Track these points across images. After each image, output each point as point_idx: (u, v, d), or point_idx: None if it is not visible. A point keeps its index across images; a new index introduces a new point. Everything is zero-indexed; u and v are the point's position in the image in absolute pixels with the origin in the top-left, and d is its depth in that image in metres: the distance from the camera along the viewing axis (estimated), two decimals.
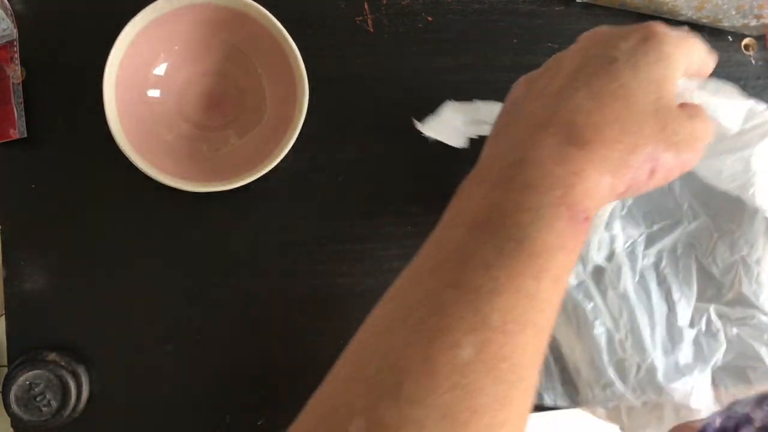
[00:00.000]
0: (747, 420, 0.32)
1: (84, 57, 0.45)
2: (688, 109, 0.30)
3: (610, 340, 0.42)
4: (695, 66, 0.32)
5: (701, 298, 0.43)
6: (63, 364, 0.42)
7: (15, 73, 0.44)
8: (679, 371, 0.41)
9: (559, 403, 0.45)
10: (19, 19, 0.45)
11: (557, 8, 0.50)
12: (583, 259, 0.43)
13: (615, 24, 0.36)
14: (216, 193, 0.43)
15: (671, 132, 0.29)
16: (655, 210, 0.44)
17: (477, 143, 0.50)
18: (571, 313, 0.43)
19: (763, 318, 0.41)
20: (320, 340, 0.46)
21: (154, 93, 0.45)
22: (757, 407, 0.32)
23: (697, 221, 0.44)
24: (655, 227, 0.44)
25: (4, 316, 0.44)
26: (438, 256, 0.28)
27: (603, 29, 0.33)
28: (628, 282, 0.42)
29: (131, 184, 0.45)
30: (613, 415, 0.44)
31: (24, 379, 0.41)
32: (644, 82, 0.29)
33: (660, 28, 0.31)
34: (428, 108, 0.49)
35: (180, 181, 0.42)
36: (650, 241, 0.44)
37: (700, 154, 0.30)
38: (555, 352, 0.45)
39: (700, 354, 0.42)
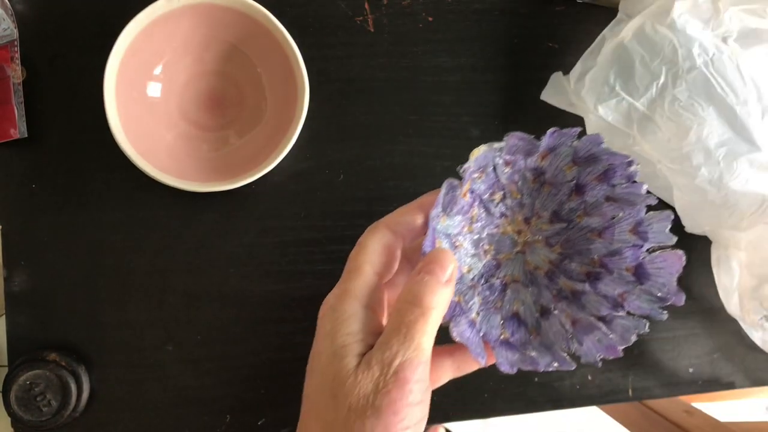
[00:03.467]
0: None
1: (84, 57, 0.45)
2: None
3: None
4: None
5: None
6: (63, 364, 0.42)
7: (15, 73, 0.44)
8: None
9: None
10: (19, 19, 0.45)
11: (557, 8, 0.50)
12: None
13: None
14: (216, 193, 0.43)
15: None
16: None
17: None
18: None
19: None
20: None
21: (154, 93, 0.45)
22: None
23: None
24: None
25: (4, 316, 0.44)
26: None
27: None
28: None
29: (132, 184, 0.45)
30: None
31: (24, 379, 0.41)
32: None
33: None
34: (428, 108, 0.49)
35: (180, 181, 0.42)
36: None
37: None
38: None
39: None
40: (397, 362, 0.27)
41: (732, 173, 0.40)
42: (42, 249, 0.44)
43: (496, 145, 0.31)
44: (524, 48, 0.50)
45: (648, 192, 0.33)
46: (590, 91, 0.43)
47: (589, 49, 0.45)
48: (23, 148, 0.44)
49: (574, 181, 0.34)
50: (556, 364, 0.33)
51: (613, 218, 0.34)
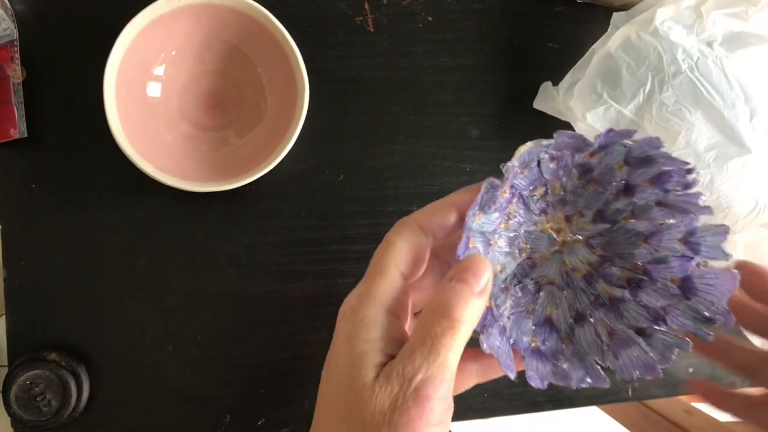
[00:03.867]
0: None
1: (84, 57, 0.45)
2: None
3: None
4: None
5: None
6: (63, 363, 0.42)
7: (15, 72, 0.44)
8: None
9: None
10: (19, 19, 0.45)
11: (557, 8, 0.50)
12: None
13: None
14: (216, 193, 0.43)
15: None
16: None
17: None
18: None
19: None
20: (320, 341, 0.46)
21: (154, 93, 0.45)
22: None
23: None
24: None
25: (4, 316, 0.44)
26: None
27: None
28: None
29: (131, 184, 0.45)
30: None
31: (24, 379, 0.41)
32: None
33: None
34: (428, 108, 0.49)
35: (180, 181, 0.42)
36: None
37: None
38: None
39: None
40: (419, 378, 0.25)
41: (723, 176, 0.40)
42: (42, 249, 0.44)
43: (545, 142, 0.29)
44: (524, 48, 0.50)
45: (706, 205, 0.30)
46: (578, 101, 0.43)
47: (579, 62, 0.45)
48: (23, 148, 0.44)
49: (624, 182, 0.32)
50: (589, 380, 0.30)
51: (663, 224, 0.31)
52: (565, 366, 0.31)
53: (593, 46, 0.45)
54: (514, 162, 0.28)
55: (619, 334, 0.31)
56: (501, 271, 0.33)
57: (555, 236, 0.33)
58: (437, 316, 0.26)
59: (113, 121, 0.41)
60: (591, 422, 1.32)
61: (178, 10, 0.42)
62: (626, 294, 0.32)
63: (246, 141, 0.46)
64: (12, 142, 0.44)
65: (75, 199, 0.45)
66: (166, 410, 0.45)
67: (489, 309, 0.30)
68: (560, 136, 0.29)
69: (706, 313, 0.30)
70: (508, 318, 0.32)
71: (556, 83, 0.47)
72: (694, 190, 0.30)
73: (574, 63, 0.46)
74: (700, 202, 0.30)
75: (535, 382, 0.30)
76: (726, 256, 0.30)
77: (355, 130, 0.48)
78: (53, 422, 0.42)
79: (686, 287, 0.31)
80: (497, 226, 0.32)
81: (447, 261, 0.33)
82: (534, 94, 0.49)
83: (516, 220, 0.32)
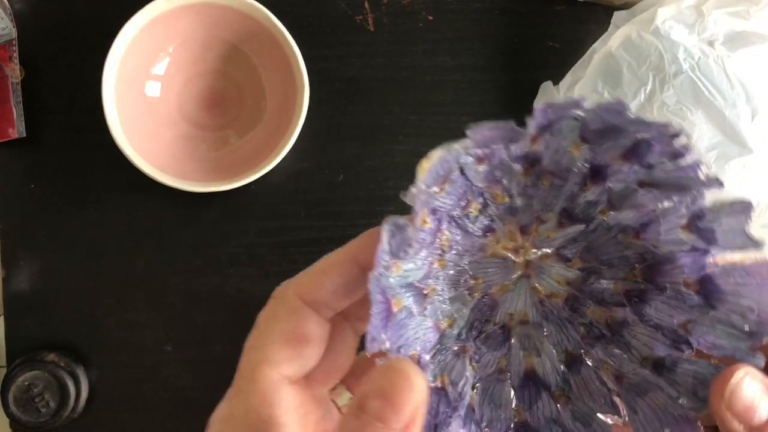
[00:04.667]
0: None
1: (83, 56, 0.45)
2: None
3: None
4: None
5: None
6: (62, 364, 0.42)
7: (14, 72, 0.44)
8: None
9: None
10: (18, 18, 0.44)
11: (557, 8, 0.50)
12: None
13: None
14: (216, 192, 0.43)
15: None
16: None
17: None
18: None
19: None
20: None
21: (153, 92, 0.44)
22: None
23: None
24: None
25: (2, 317, 0.44)
26: None
27: None
28: None
29: (131, 184, 0.45)
30: None
31: (23, 379, 0.41)
32: None
33: None
34: (428, 107, 0.49)
35: (179, 181, 0.42)
36: None
37: None
38: None
39: None
40: None
41: (724, 176, 0.40)
42: (41, 249, 0.44)
43: (456, 145, 0.20)
44: (524, 47, 0.50)
45: (712, 176, 0.21)
46: None
47: (579, 62, 0.45)
48: (22, 148, 0.44)
49: (587, 164, 0.23)
50: None
51: (655, 210, 0.23)
52: None
53: (594, 46, 0.45)
54: (421, 183, 0.20)
55: (630, 377, 0.23)
56: (450, 326, 0.24)
57: (513, 257, 0.25)
58: None
59: (112, 120, 0.40)
60: None
61: (178, 9, 0.42)
62: (628, 313, 0.24)
63: (246, 141, 0.45)
64: (11, 142, 0.44)
65: (74, 200, 0.45)
66: (165, 411, 0.45)
67: (440, 393, 0.23)
68: (478, 131, 0.21)
69: (745, 326, 0.21)
70: (474, 389, 0.24)
71: (556, 83, 0.46)
72: (689, 160, 0.21)
73: (575, 62, 0.45)
74: (701, 174, 0.21)
75: None
76: (754, 243, 0.21)
77: (355, 130, 0.48)
78: (52, 423, 0.41)
79: (708, 292, 0.22)
80: (428, 268, 0.23)
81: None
82: (534, 93, 0.48)
83: (453, 252, 0.24)
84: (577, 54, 0.46)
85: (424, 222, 0.22)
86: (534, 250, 0.25)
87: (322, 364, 0.22)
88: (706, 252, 0.22)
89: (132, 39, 0.41)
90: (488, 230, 0.24)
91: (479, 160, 0.22)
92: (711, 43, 0.40)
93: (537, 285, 0.25)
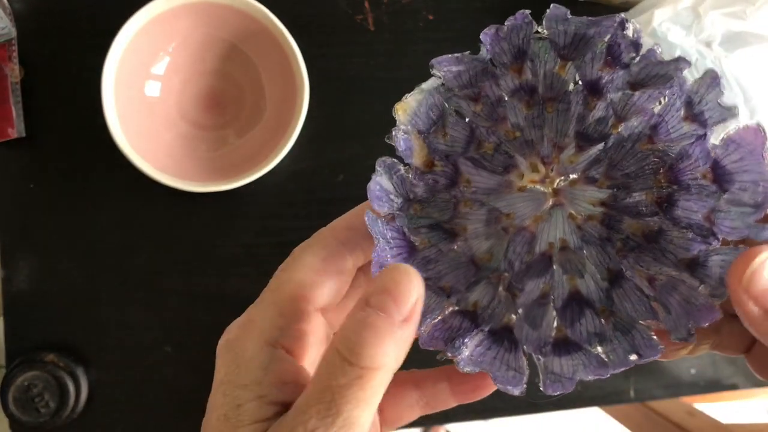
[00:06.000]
0: None
1: (83, 56, 0.45)
2: None
3: None
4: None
5: None
6: (61, 365, 0.42)
7: (13, 72, 0.44)
8: None
9: None
10: (17, 18, 0.44)
11: None
12: None
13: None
14: (215, 192, 0.43)
15: None
16: None
17: None
18: None
19: None
20: None
21: (153, 92, 0.44)
22: None
23: None
24: None
25: (1, 317, 0.44)
26: None
27: None
28: None
29: (131, 184, 0.45)
30: None
31: (22, 380, 0.41)
32: None
33: None
34: None
35: (179, 181, 0.42)
36: None
37: None
38: None
39: None
40: None
41: None
42: (40, 249, 0.44)
43: (426, 84, 0.23)
44: None
45: (676, 56, 0.22)
46: None
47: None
48: (21, 148, 0.44)
49: (581, 82, 0.24)
50: (634, 357, 0.23)
51: (655, 110, 0.23)
52: (600, 350, 0.24)
53: None
54: (406, 125, 0.22)
55: (660, 278, 0.24)
56: (489, 260, 0.25)
57: (541, 188, 0.25)
58: (341, 361, 0.18)
59: (112, 120, 0.40)
60: (592, 423, 1.31)
61: (178, 8, 0.42)
62: (663, 220, 0.24)
63: (245, 141, 0.45)
64: (10, 142, 0.44)
65: (73, 199, 0.45)
66: (165, 412, 0.45)
67: (466, 315, 0.24)
68: (442, 65, 0.23)
69: (751, 200, 0.21)
70: (514, 315, 0.25)
71: None
72: (645, 46, 0.22)
73: None
74: (661, 56, 0.22)
75: (556, 387, 0.23)
76: (729, 111, 0.22)
77: (355, 130, 0.48)
78: (51, 423, 0.41)
79: (719, 176, 0.23)
80: (453, 210, 0.25)
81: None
82: None
83: (477, 193, 0.25)
84: None
85: (432, 164, 0.23)
86: (562, 178, 0.25)
87: (336, 308, 0.23)
88: (705, 136, 0.23)
89: (132, 39, 0.41)
90: (508, 166, 0.25)
91: (473, 100, 0.23)
92: (708, 44, 0.40)
93: (572, 212, 0.25)
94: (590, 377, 0.23)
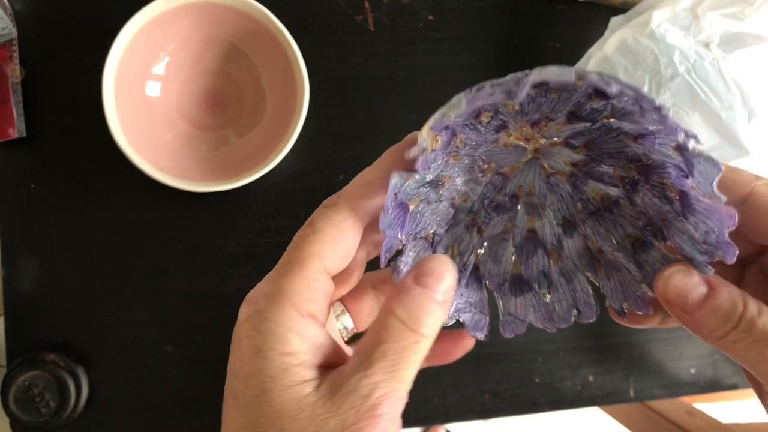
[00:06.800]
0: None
1: (83, 56, 0.45)
2: None
3: None
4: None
5: None
6: (62, 364, 0.42)
7: (14, 72, 0.44)
8: None
9: None
10: (18, 18, 0.44)
11: (559, 7, 0.50)
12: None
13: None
14: (216, 192, 0.43)
15: None
16: None
17: None
18: None
19: None
20: None
21: (153, 92, 0.44)
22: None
23: None
24: None
25: (2, 317, 0.44)
26: None
27: None
28: None
29: (131, 184, 0.45)
30: None
31: (23, 379, 0.41)
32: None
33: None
34: (429, 107, 0.48)
35: (179, 180, 0.42)
36: None
37: None
38: None
39: None
40: (377, 395, 0.21)
41: None
42: (41, 249, 0.44)
43: (449, 112, 0.24)
44: (525, 47, 0.50)
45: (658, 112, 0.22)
46: None
47: (575, 66, 0.45)
48: (22, 148, 0.44)
49: (591, 88, 0.24)
50: (575, 313, 0.26)
51: (652, 128, 0.25)
52: (548, 298, 0.27)
53: (589, 50, 0.45)
54: (425, 147, 0.23)
55: (608, 256, 0.27)
56: (465, 201, 0.28)
57: (524, 145, 0.27)
58: (404, 329, 0.22)
59: (112, 120, 0.40)
60: (592, 423, 1.31)
61: (178, 8, 0.42)
62: (621, 194, 0.27)
63: (245, 140, 0.45)
64: (11, 142, 0.44)
65: (73, 199, 0.45)
66: (165, 411, 0.45)
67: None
68: (475, 102, 0.23)
69: (704, 240, 0.24)
70: (481, 249, 0.27)
71: None
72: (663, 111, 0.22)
73: (575, 62, 0.45)
74: (670, 119, 0.21)
75: (511, 330, 0.26)
76: (718, 198, 0.22)
77: (355, 130, 0.48)
78: (52, 423, 0.41)
79: (684, 203, 0.25)
80: (444, 165, 0.26)
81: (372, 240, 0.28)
82: None
83: (467, 147, 0.27)
84: (578, 54, 0.46)
85: (435, 141, 0.25)
86: (543, 140, 0.27)
87: (340, 273, 0.26)
88: (686, 177, 0.24)
89: (132, 39, 0.41)
90: (500, 128, 0.27)
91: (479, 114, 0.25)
92: (707, 45, 0.40)
93: (545, 164, 0.28)
94: (539, 324, 0.27)
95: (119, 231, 0.45)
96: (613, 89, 0.21)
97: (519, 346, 0.49)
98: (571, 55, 0.49)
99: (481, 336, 0.27)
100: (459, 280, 0.27)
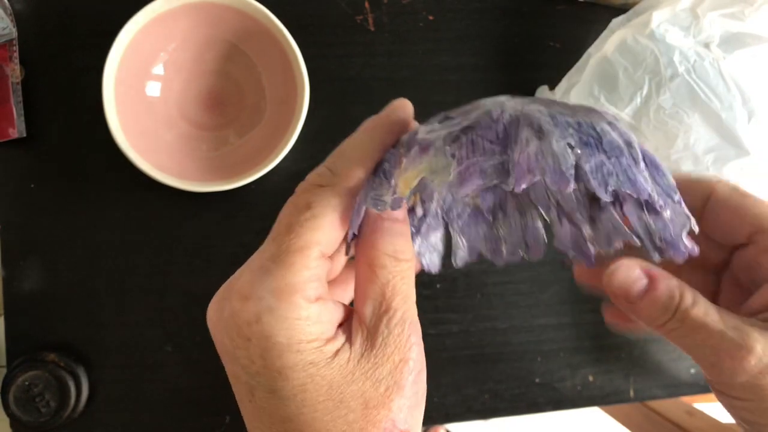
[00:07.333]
0: None
1: (83, 56, 0.45)
2: None
3: None
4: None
5: None
6: (62, 364, 0.42)
7: (14, 72, 0.44)
8: None
9: None
10: (18, 18, 0.44)
11: (559, 7, 0.50)
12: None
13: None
14: (216, 192, 0.43)
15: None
16: None
17: None
18: None
19: None
20: None
21: (153, 92, 0.44)
22: None
23: None
24: None
25: (2, 317, 0.44)
26: None
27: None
28: None
29: (131, 184, 0.45)
30: None
31: (23, 379, 0.41)
32: None
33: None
34: (429, 107, 0.48)
35: (179, 180, 0.42)
36: None
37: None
38: None
39: None
40: (407, 327, 0.23)
41: (722, 179, 0.40)
42: (41, 249, 0.44)
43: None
44: (525, 47, 0.50)
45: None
46: None
47: (575, 66, 0.45)
48: (22, 148, 0.44)
49: None
50: (524, 247, 0.27)
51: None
52: (501, 231, 0.28)
53: (589, 50, 0.45)
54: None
55: (565, 208, 0.27)
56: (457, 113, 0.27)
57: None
58: (393, 260, 0.24)
59: (112, 120, 0.40)
60: (592, 423, 1.31)
61: (178, 8, 0.42)
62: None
63: (245, 141, 0.45)
64: (11, 142, 0.44)
65: (74, 199, 0.45)
66: (165, 411, 0.45)
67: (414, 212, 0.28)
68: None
69: (662, 237, 0.24)
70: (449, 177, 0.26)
71: (557, 82, 0.46)
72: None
73: (575, 62, 0.45)
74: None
75: (462, 259, 0.27)
76: (683, 252, 0.24)
77: (355, 130, 0.48)
78: (52, 423, 0.41)
79: (648, 205, 0.25)
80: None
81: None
82: (534, 93, 0.48)
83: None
84: (578, 54, 0.46)
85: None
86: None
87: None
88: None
89: (132, 39, 0.41)
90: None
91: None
92: (707, 46, 0.40)
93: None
94: (488, 255, 0.28)
95: (119, 231, 0.45)
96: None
97: (519, 346, 0.49)
98: (570, 55, 0.49)
99: (434, 270, 0.28)
100: (420, 226, 0.28)
